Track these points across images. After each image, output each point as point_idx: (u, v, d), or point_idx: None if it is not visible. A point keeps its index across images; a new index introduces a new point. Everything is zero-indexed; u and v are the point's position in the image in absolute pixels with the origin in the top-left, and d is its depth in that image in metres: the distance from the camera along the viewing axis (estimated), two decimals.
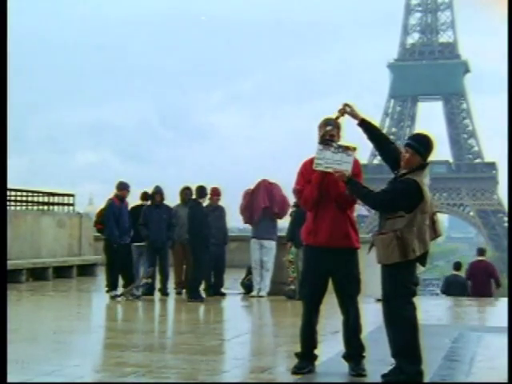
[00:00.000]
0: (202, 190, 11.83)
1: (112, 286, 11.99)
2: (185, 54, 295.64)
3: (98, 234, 17.83)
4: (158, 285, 12.31)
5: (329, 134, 5.57)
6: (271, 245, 12.29)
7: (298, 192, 5.83)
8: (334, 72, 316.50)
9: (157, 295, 12.17)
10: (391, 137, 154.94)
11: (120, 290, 11.91)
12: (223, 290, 12.36)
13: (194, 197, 11.92)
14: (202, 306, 11.12)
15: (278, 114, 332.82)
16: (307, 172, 5.69)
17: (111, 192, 12.16)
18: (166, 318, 10.68)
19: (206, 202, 12.01)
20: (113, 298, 11.64)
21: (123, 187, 12.17)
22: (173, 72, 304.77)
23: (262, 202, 12.07)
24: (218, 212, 12.27)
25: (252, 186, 12.50)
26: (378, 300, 11.03)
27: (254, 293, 12.24)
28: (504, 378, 5.33)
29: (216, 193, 12.25)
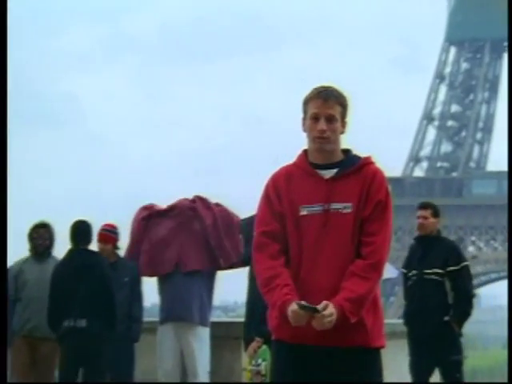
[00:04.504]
0: (84, 229, 9.81)
1: None
2: None
3: None
4: None
5: (326, 114, 4.89)
6: (202, 334, 9.74)
7: (259, 235, 4.88)
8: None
9: None
10: (449, 123, 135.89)
11: None
12: None
13: (70, 246, 9.84)
14: None
15: (195, 73, 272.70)
16: (279, 199, 4.91)
17: None
18: None
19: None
20: None
21: None
22: None
23: (196, 264, 9.84)
24: (120, 270, 10.15)
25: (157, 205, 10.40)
26: None
27: None
28: None
29: (108, 235, 10.26)
